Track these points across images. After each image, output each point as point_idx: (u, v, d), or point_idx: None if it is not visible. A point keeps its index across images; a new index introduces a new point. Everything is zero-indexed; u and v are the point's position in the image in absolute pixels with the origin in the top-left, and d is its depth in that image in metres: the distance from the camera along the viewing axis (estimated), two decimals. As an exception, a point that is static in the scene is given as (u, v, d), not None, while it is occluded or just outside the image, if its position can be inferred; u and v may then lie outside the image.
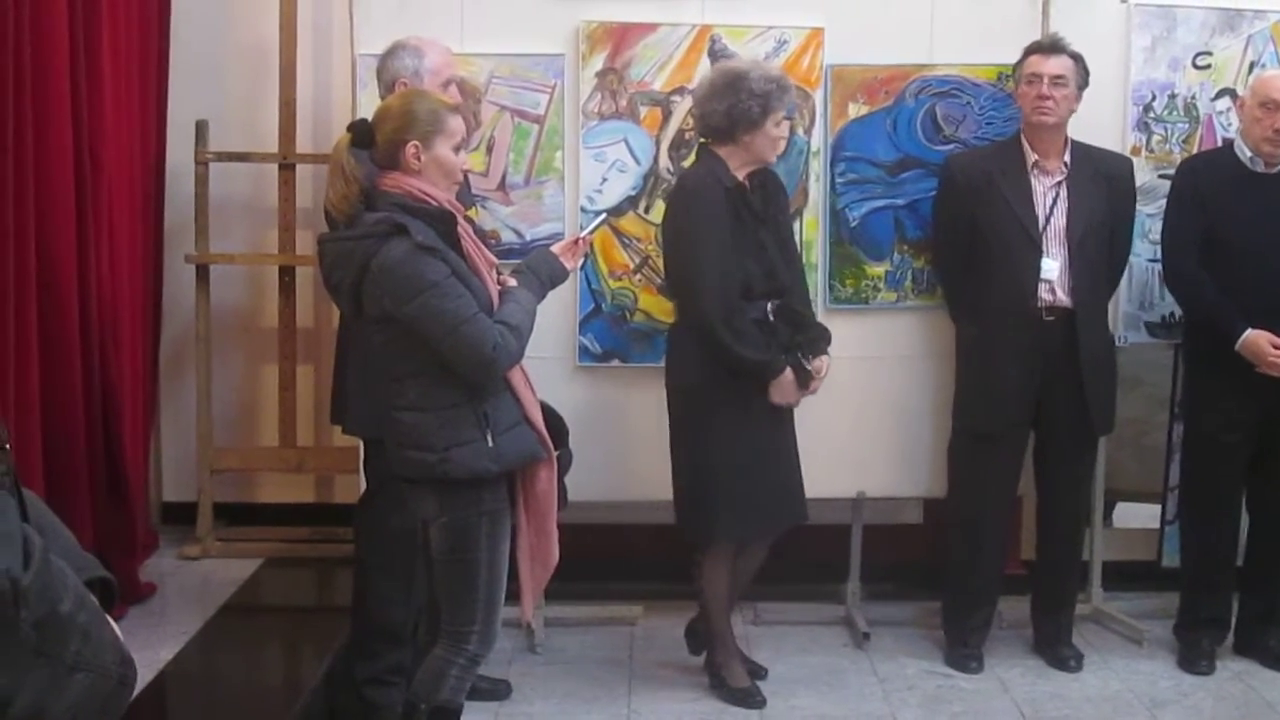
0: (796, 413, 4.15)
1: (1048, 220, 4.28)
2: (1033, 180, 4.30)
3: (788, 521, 4.18)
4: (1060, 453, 4.41)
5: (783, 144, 4.10)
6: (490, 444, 3.10)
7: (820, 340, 4.13)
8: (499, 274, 3.25)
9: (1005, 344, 4.30)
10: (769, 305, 4.06)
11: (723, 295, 3.98)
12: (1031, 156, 4.30)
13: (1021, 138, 4.33)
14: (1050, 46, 4.28)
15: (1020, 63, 4.31)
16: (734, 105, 3.96)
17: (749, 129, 3.97)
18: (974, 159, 4.43)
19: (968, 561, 4.46)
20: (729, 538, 4.14)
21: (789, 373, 4.01)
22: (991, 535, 4.46)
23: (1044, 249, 4.26)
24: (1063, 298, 4.28)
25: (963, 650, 4.46)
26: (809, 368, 4.04)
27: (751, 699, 4.15)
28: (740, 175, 4.05)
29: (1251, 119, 4.25)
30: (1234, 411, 4.30)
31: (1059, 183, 4.30)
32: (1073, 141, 4.34)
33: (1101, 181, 4.33)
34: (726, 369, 4.00)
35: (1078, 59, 4.26)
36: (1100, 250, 4.33)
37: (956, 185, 4.38)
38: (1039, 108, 4.23)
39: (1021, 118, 4.35)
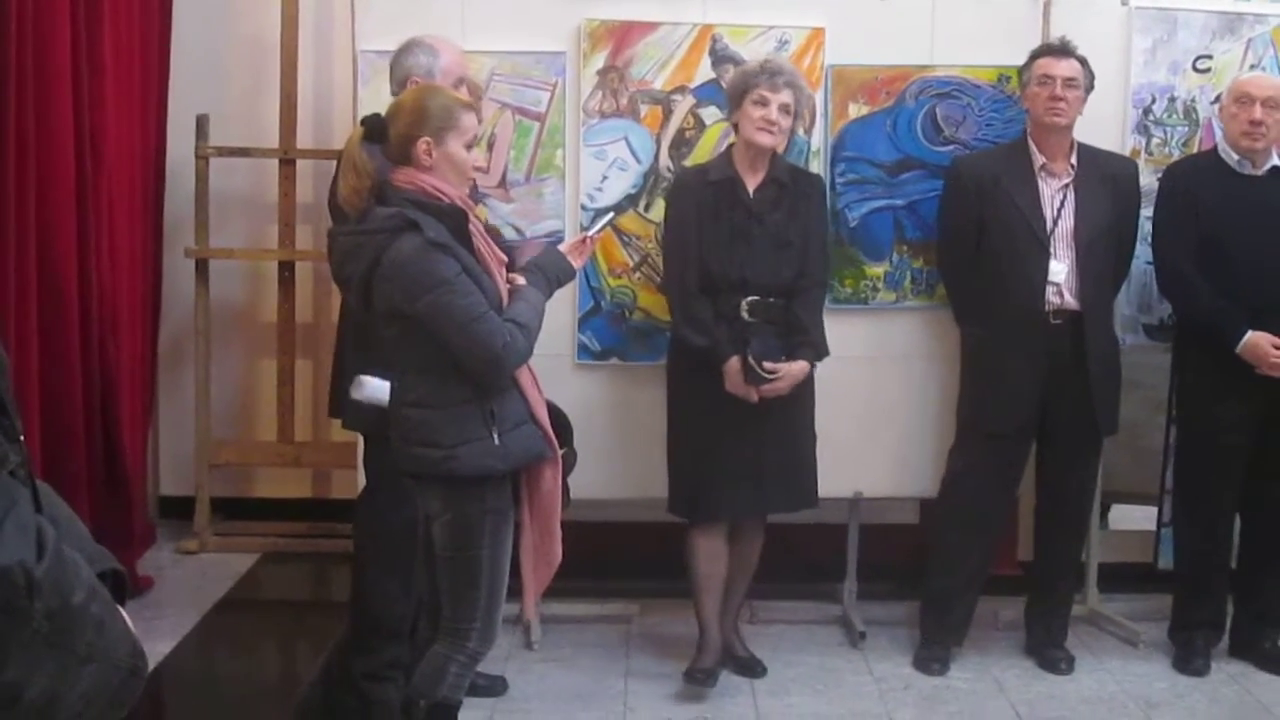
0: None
1: (1055, 223, 4.28)
2: (1040, 183, 4.30)
3: (741, 511, 4.23)
4: (1066, 456, 4.40)
5: (769, 127, 4.04)
6: (497, 442, 3.10)
7: (802, 347, 4.12)
8: (507, 272, 3.25)
9: (1013, 347, 4.29)
10: (744, 302, 4.08)
11: (678, 282, 4.14)
12: (1039, 159, 4.30)
13: (1029, 140, 4.33)
14: (1061, 49, 4.29)
15: (1028, 65, 4.31)
16: (726, 100, 4.24)
17: (735, 115, 4.13)
18: (980, 161, 4.43)
19: (954, 561, 4.46)
20: (674, 511, 4.25)
21: (734, 364, 4.04)
22: (986, 536, 4.46)
23: (1051, 252, 4.26)
24: (1070, 300, 4.28)
25: (928, 652, 4.43)
26: (756, 367, 4.02)
27: (691, 679, 4.16)
28: (744, 167, 4.12)
29: (1229, 116, 4.30)
30: (1228, 413, 4.30)
31: (1066, 185, 4.30)
32: (1079, 144, 4.34)
33: (1108, 184, 4.33)
34: (685, 353, 4.15)
35: (1085, 62, 4.27)
36: (1108, 253, 4.33)
37: (964, 188, 4.38)
38: (1052, 109, 4.23)
39: (1028, 120, 4.35)
